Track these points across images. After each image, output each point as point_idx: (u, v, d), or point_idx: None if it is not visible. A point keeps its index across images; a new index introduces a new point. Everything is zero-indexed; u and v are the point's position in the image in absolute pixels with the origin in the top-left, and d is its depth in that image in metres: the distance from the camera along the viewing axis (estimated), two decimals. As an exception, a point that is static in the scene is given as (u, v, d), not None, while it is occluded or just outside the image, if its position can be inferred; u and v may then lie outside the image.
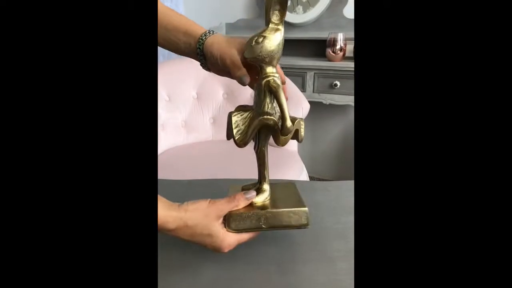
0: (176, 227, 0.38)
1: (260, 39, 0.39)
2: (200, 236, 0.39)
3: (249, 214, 0.42)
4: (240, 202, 0.42)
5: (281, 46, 0.40)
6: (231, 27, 1.78)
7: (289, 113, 0.39)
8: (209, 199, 0.41)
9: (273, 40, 0.39)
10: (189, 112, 1.35)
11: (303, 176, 1.15)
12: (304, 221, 0.42)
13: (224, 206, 0.41)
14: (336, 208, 0.56)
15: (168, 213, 0.37)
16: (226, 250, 0.41)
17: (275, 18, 0.39)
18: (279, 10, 0.39)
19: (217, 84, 1.37)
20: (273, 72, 0.40)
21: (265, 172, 0.45)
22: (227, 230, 0.41)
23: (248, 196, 0.43)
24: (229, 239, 0.41)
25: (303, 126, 0.43)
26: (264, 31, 0.39)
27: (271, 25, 0.39)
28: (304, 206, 0.42)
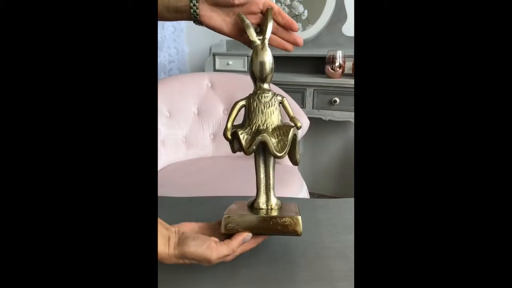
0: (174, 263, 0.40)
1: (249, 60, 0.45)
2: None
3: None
4: (234, 246, 0.41)
5: (257, 63, 0.44)
6: (232, 43, 1.81)
7: (231, 124, 0.44)
8: (208, 243, 0.40)
9: (253, 60, 0.44)
10: (190, 128, 1.35)
11: (303, 192, 1.14)
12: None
13: (223, 249, 0.40)
14: (336, 226, 0.56)
15: (166, 251, 0.39)
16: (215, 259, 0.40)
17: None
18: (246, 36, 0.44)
19: (218, 100, 1.38)
20: (261, 89, 0.45)
21: (260, 181, 0.47)
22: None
23: (244, 237, 0.42)
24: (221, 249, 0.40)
25: (270, 141, 0.43)
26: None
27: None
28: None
